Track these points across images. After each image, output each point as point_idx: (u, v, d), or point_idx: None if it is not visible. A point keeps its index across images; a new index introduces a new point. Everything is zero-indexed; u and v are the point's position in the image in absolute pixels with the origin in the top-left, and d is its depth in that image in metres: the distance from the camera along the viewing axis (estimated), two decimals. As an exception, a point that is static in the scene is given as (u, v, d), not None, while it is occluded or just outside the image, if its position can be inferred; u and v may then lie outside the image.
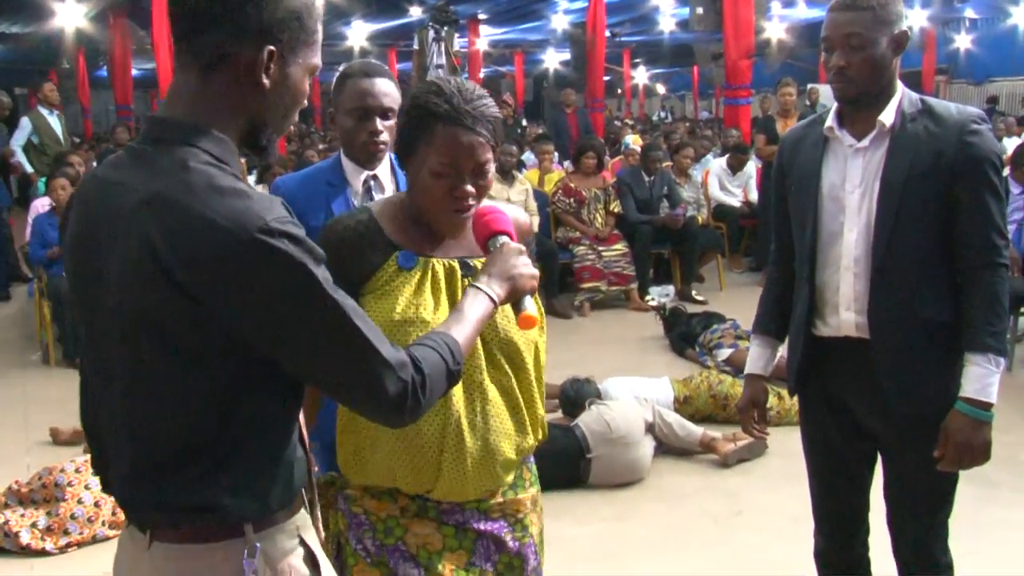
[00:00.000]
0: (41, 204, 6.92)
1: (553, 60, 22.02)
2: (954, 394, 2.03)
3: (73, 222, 1.32)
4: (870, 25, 2.01)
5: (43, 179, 8.07)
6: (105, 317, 1.25)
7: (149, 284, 1.18)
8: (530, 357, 1.75)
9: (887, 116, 2.07)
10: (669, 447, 4.21)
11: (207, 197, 1.17)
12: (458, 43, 13.28)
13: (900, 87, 2.11)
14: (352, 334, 1.23)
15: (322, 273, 1.22)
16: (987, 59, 18.23)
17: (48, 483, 3.56)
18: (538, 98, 23.94)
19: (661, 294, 7.37)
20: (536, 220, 7.25)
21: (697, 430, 4.23)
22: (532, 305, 1.54)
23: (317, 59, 1.33)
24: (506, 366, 1.71)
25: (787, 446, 4.05)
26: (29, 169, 8.66)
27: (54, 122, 8.74)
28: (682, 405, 4.59)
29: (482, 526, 1.76)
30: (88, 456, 3.67)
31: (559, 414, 4.54)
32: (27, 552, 3.42)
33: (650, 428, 4.12)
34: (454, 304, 1.62)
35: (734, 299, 7.13)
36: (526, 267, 1.55)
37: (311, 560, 1.36)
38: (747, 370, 2.42)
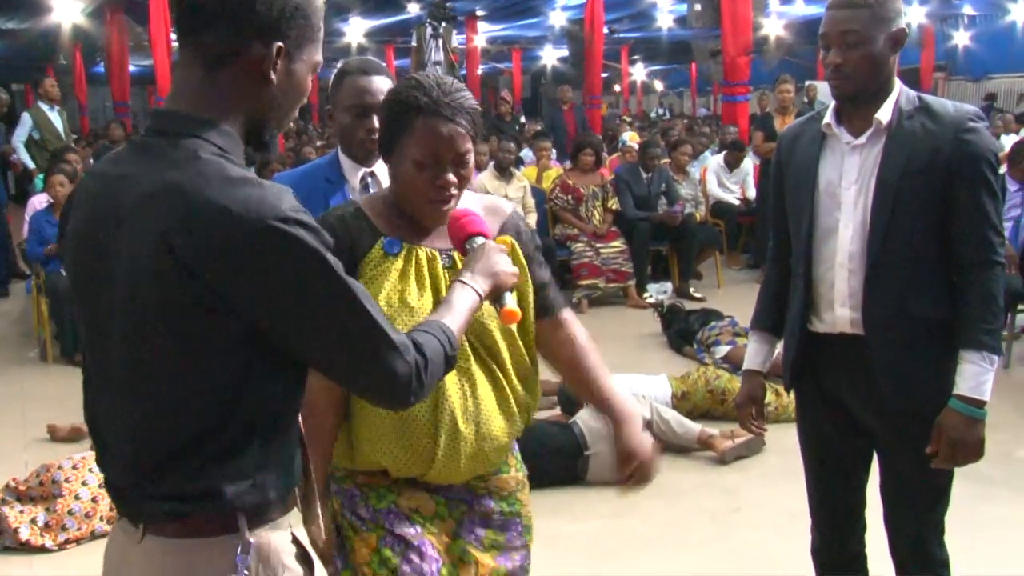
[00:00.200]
0: (39, 201, 6.91)
1: (551, 57, 22.01)
2: (949, 391, 2.04)
3: (75, 219, 1.32)
4: (867, 22, 2.02)
5: (41, 175, 8.06)
6: (109, 314, 1.26)
7: (165, 275, 1.18)
8: (506, 345, 1.79)
9: (884, 113, 2.08)
10: (667, 444, 4.22)
11: (221, 186, 1.19)
12: (456, 39, 13.26)
13: (898, 84, 2.11)
14: (364, 318, 1.26)
15: (334, 259, 1.24)
16: (985, 56, 18.23)
17: (46, 480, 3.56)
18: (536, 95, 23.94)
19: (659, 291, 7.38)
20: (534, 217, 7.26)
21: (695, 427, 4.24)
22: (512, 300, 1.60)
23: (319, 55, 1.35)
24: (485, 354, 1.76)
25: (785, 443, 4.06)
26: (31, 165, 8.64)
27: (55, 117, 8.71)
28: (680, 401, 4.60)
29: (469, 499, 1.82)
30: (85, 453, 3.70)
31: (557, 411, 4.54)
32: (26, 548, 3.42)
33: (648, 425, 4.12)
34: (437, 291, 1.69)
35: (732, 296, 7.14)
36: (506, 264, 1.61)
37: (304, 558, 1.37)
38: (745, 366, 2.43)
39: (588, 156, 7.41)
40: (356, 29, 17.47)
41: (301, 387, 1.35)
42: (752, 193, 8.52)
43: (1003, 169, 6.11)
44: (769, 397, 4.45)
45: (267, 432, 1.29)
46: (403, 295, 1.69)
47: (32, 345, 6.31)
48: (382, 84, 2.27)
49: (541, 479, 3.86)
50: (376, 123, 2.27)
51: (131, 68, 14.08)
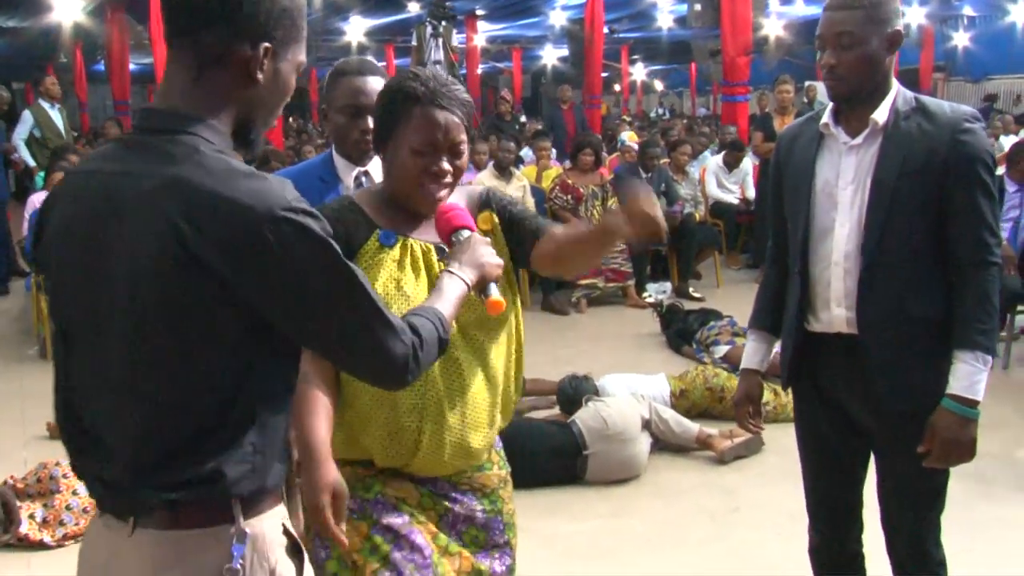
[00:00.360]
0: (39, 199, 6.91)
1: (551, 56, 22.01)
2: (944, 391, 2.04)
3: (62, 218, 1.32)
4: (862, 24, 2.03)
5: (42, 173, 8.06)
6: (108, 313, 1.26)
7: (175, 268, 1.20)
8: (490, 340, 1.82)
9: (880, 114, 2.08)
10: (666, 444, 4.22)
11: (227, 179, 1.22)
12: (456, 39, 13.27)
13: (895, 85, 2.12)
14: (366, 302, 1.31)
15: (337, 246, 1.28)
16: (985, 57, 18.23)
17: (43, 477, 3.58)
18: (536, 94, 23.94)
19: (658, 291, 7.38)
20: (534, 216, 7.25)
21: (694, 427, 4.24)
22: (497, 291, 1.65)
23: (303, 55, 1.38)
24: (473, 346, 1.80)
25: (784, 443, 4.06)
26: (32, 163, 8.63)
27: (55, 115, 8.70)
28: (679, 399, 4.60)
29: (453, 495, 1.84)
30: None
31: (556, 411, 4.55)
32: (25, 543, 3.42)
33: (647, 425, 4.12)
34: (431, 281, 1.74)
35: (731, 296, 7.14)
36: (491, 256, 1.65)
37: (294, 549, 1.38)
38: (743, 365, 2.44)
39: (588, 156, 7.41)
40: (356, 28, 17.47)
41: (296, 374, 1.39)
42: (751, 193, 8.52)
43: (1001, 170, 6.11)
44: (768, 397, 4.45)
45: (265, 420, 1.31)
46: (399, 284, 1.72)
47: (32, 343, 6.31)
48: (376, 85, 2.28)
49: (540, 478, 3.88)
50: (370, 123, 2.28)
51: (132, 66, 14.08)
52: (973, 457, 2.06)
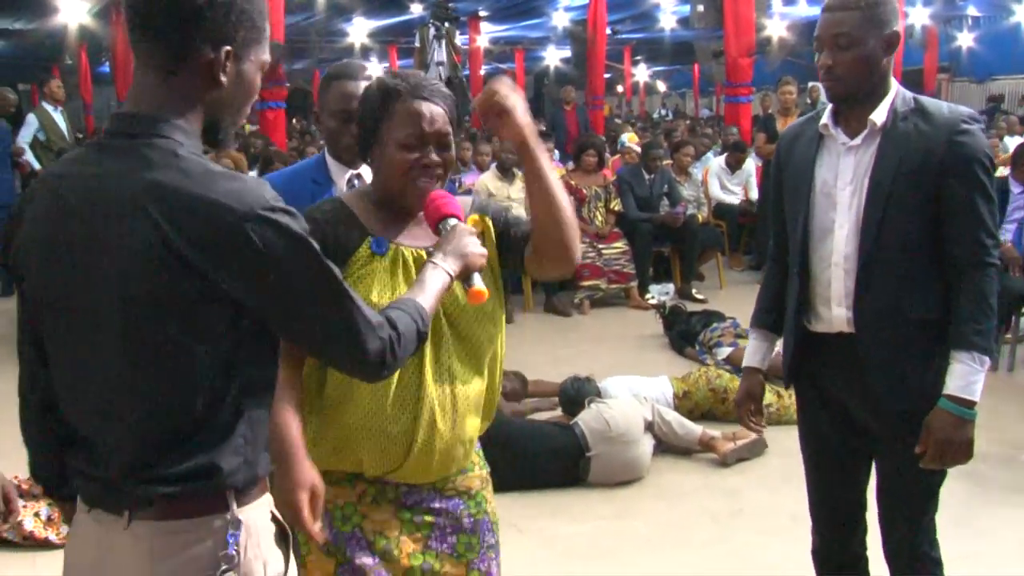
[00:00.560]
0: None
1: (554, 57, 21.99)
2: (941, 391, 2.04)
3: (40, 222, 1.33)
4: (858, 25, 2.04)
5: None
6: (97, 313, 1.28)
7: (159, 268, 1.24)
8: (482, 346, 1.82)
9: (879, 115, 2.09)
10: (668, 445, 4.22)
11: (206, 181, 1.26)
12: (459, 40, 13.27)
13: (895, 86, 2.13)
14: (343, 298, 1.35)
15: (316, 244, 1.33)
16: (989, 57, 18.19)
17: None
18: (539, 95, 23.92)
19: (661, 292, 7.38)
20: (536, 218, 7.25)
21: (696, 429, 4.24)
22: (480, 281, 1.65)
23: (267, 55, 1.42)
24: (465, 351, 1.79)
25: (786, 445, 4.05)
26: (37, 166, 8.64)
27: (59, 118, 8.72)
28: (681, 400, 4.60)
29: (438, 504, 1.83)
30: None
31: (558, 412, 4.55)
32: (31, 541, 3.43)
33: (649, 426, 4.12)
34: None
35: (734, 297, 7.13)
36: (476, 246, 1.66)
37: (282, 536, 1.43)
38: (744, 363, 2.45)
39: (591, 157, 7.42)
40: (359, 30, 17.49)
41: (276, 366, 1.43)
42: (755, 194, 8.51)
43: (1005, 171, 6.09)
44: (770, 399, 4.45)
45: (253, 412, 1.36)
46: (393, 294, 1.72)
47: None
48: None
49: (542, 480, 3.88)
50: None
51: (135, 68, 14.08)
52: (970, 458, 2.06)
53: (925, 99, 2.14)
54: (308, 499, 1.62)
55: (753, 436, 4.17)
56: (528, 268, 1.87)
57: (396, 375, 1.67)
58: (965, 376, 2.02)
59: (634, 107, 25.30)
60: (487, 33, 19.11)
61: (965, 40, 18.71)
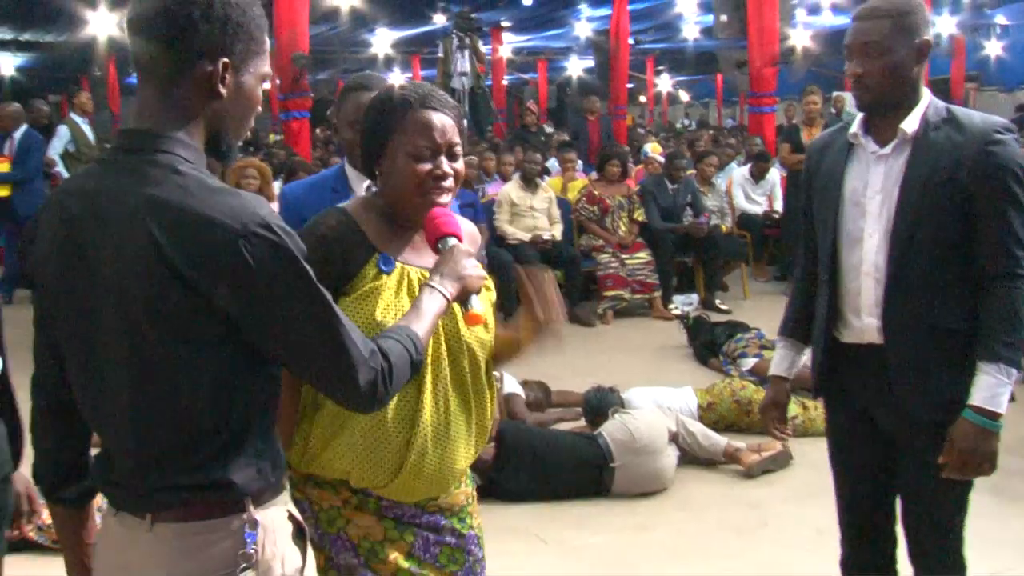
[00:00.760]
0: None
1: (576, 67, 22.04)
2: (966, 402, 2.03)
3: (53, 236, 1.37)
4: (888, 33, 2.04)
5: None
6: (102, 318, 1.32)
7: (155, 280, 1.26)
8: (480, 370, 1.81)
9: (910, 124, 2.08)
10: (693, 457, 4.20)
11: (203, 197, 1.28)
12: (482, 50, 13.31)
13: (927, 95, 2.12)
14: (332, 325, 1.35)
15: (309, 267, 1.33)
16: (1018, 66, 18.01)
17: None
18: (561, 105, 23.96)
19: (685, 303, 7.35)
20: (560, 228, 7.26)
21: (721, 440, 4.21)
22: (479, 304, 1.65)
23: (267, 67, 1.43)
24: (460, 379, 1.78)
25: (812, 457, 4.03)
26: (67, 176, 8.77)
27: (87, 129, 8.85)
28: (705, 412, 4.58)
29: (420, 519, 1.82)
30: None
31: (582, 423, 4.54)
32: (60, 545, 3.46)
33: (674, 437, 4.11)
34: None
35: (758, 308, 7.09)
36: (474, 268, 1.65)
37: (299, 533, 1.46)
38: (771, 372, 2.44)
39: (614, 167, 7.41)
40: (383, 40, 17.62)
41: (279, 379, 1.43)
42: (779, 205, 8.47)
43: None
44: (796, 410, 4.42)
45: (262, 421, 1.38)
46: (397, 313, 1.70)
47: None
48: None
49: (565, 490, 3.88)
50: None
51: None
52: (994, 470, 2.04)
53: (958, 109, 2.12)
54: None
55: (778, 448, 4.14)
56: None
57: (396, 397, 1.64)
58: (991, 388, 2.00)
59: (656, 117, 25.26)
60: (510, 43, 19.19)
61: (993, 49, 18.54)
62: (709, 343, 5.85)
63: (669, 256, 7.34)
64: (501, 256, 6.79)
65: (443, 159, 1.71)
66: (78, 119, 8.86)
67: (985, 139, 2.02)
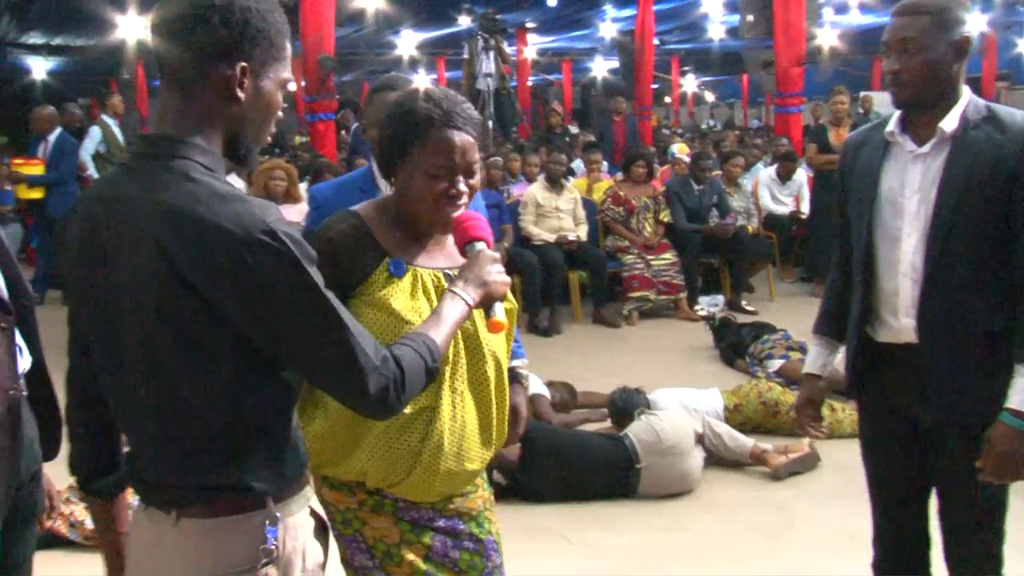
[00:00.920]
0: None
1: (601, 68, 21.99)
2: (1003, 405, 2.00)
3: (77, 241, 1.40)
4: (926, 30, 2.01)
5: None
6: (121, 320, 1.35)
7: (165, 286, 1.29)
8: (495, 374, 1.82)
9: (948, 123, 2.05)
10: (719, 458, 4.18)
11: (210, 203, 1.29)
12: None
13: (966, 93, 2.08)
14: (341, 332, 1.35)
15: (316, 273, 1.33)
16: (1050, 65, 17.76)
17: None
18: (586, 106, 23.93)
19: (711, 304, 7.31)
20: (585, 229, 7.25)
21: (748, 442, 4.19)
22: (502, 311, 1.64)
23: (287, 73, 1.44)
24: (476, 381, 1.79)
25: (840, 459, 4.00)
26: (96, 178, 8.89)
27: (118, 131, 8.98)
28: (732, 413, 4.55)
29: (438, 523, 1.82)
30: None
31: (607, 424, 4.54)
32: (92, 540, 3.50)
33: (700, 439, 4.09)
34: None
35: (785, 309, 7.05)
36: (499, 274, 1.64)
37: (320, 529, 1.49)
38: (804, 369, 2.43)
39: (640, 168, 7.39)
40: (408, 42, 17.68)
41: (291, 381, 1.43)
42: (806, 205, 8.40)
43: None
44: (824, 412, 4.37)
45: (278, 423, 1.40)
46: (409, 315, 1.71)
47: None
48: None
49: (591, 491, 3.87)
50: None
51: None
52: None
53: (999, 107, 2.09)
54: None
55: (805, 450, 4.12)
56: None
57: None
58: None
59: (682, 118, 25.17)
60: (534, 44, 19.18)
61: (1025, 47, 18.28)
62: (735, 344, 5.81)
63: (695, 257, 7.30)
64: (526, 257, 6.80)
65: (459, 179, 1.72)
66: (109, 121, 8.98)
67: None
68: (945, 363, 2.06)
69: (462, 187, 1.72)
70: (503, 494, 3.60)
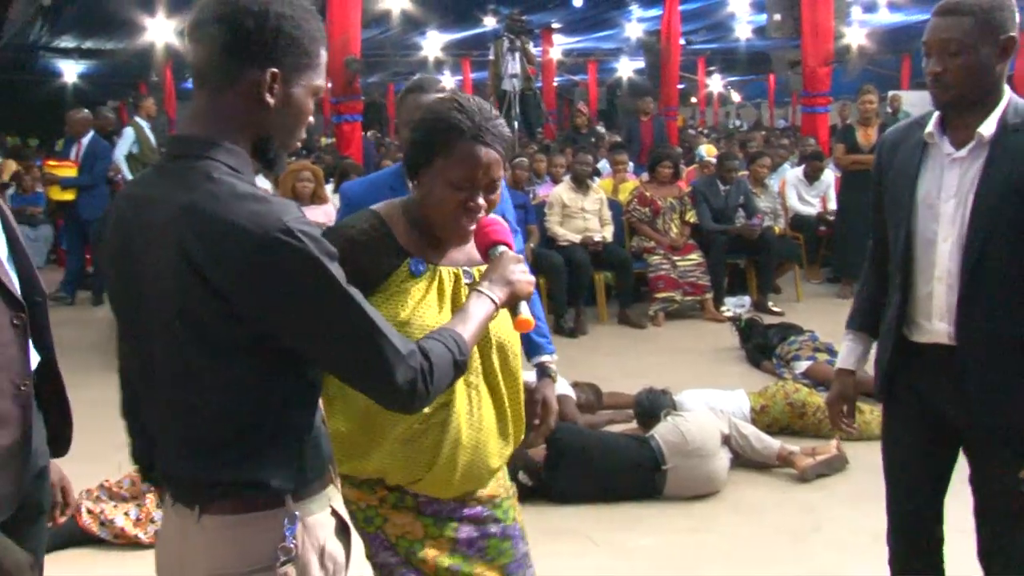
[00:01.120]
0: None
1: (627, 68, 21.95)
2: None
3: (111, 240, 1.45)
4: (969, 31, 1.97)
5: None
6: (147, 318, 1.38)
7: (186, 285, 1.31)
8: (508, 371, 1.84)
9: (987, 127, 2.02)
10: (746, 460, 4.16)
11: (230, 203, 1.30)
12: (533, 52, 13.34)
13: (1007, 94, 2.05)
14: (365, 326, 1.35)
15: (336, 269, 1.34)
16: (1084, 63, 17.44)
17: (136, 480, 3.72)
18: (612, 106, 23.89)
19: (737, 305, 7.27)
20: (611, 229, 7.25)
21: (775, 443, 4.17)
22: (527, 310, 1.66)
23: (320, 81, 1.45)
24: (499, 371, 1.81)
25: (868, 460, 3.96)
26: (131, 178, 9.02)
27: (150, 133, 9.10)
28: (759, 415, 4.53)
29: (462, 513, 1.84)
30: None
31: (633, 424, 4.53)
32: (122, 539, 3.55)
33: (726, 440, 4.07)
34: (456, 310, 1.73)
35: (812, 310, 7.00)
36: (523, 274, 1.66)
37: (342, 529, 1.49)
38: (838, 365, 2.42)
39: (666, 168, 7.37)
40: (433, 43, 17.77)
41: (314, 379, 1.45)
42: (833, 206, 8.33)
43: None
44: (851, 414, 4.34)
45: (301, 421, 1.42)
46: (424, 312, 1.73)
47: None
48: None
49: (617, 492, 3.87)
50: None
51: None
52: None
53: None
54: None
55: (833, 452, 4.09)
56: None
57: None
58: None
59: (708, 118, 25.04)
60: (560, 45, 19.19)
61: (1057, 45, 17.98)
62: (762, 345, 5.78)
63: (721, 258, 7.27)
64: (552, 258, 6.80)
65: (480, 193, 1.73)
66: (142, 122, 9.10)
67: None
68: (982, 369, 2.04)
69: (480, 201, 1.73)
70: (529, 495, 3.61)
